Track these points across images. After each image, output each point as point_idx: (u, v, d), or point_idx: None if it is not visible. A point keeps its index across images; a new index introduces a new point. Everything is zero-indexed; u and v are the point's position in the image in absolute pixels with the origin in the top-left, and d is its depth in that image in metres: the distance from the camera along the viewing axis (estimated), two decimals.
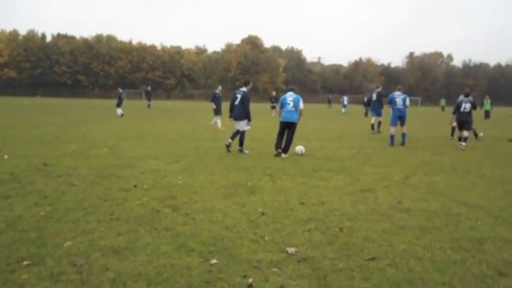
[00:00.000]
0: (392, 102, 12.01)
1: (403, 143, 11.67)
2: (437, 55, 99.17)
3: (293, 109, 9.10)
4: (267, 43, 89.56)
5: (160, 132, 13.83)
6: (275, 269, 3.10)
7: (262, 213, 4.51)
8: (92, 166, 7.09)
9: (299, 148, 9.38)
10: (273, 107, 27.68)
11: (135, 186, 5.67)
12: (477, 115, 26.41)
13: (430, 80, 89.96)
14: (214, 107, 16.36)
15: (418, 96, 73.20)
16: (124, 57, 77.61)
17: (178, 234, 3.80)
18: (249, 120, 9.51)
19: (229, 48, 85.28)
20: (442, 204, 5.15)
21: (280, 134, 9.22)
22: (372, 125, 16.18)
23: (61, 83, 73.76)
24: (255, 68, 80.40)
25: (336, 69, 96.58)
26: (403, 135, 11.79)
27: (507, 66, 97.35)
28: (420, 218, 4.50)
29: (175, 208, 4.64)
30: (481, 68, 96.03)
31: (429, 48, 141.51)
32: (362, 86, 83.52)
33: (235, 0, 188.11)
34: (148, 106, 31.86)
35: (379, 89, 17.32)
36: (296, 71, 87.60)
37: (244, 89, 9.66)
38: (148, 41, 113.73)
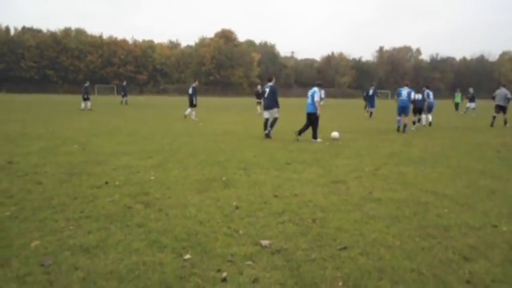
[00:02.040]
0: (399, 95, 14.10)
1: (404, 131, 13.56)
2: (406, 49, 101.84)
3: (311, 102, 10.85)
4: (241, 37, 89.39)
5: (133, 127, 13.56)
6: (249, 262, 3.11)
7: (237, 207, 4.52)
8: (60, 163, 6.87)
9: (334, 134, 11.05)
10: (259, 103, 22.15)
11: (106, 183, 5.54)
12: (448, 107, 27.42)
13: (400, 74, 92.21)
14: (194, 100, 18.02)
15: (389, 89, 75.03)
16: (94, 52, 75.45)
17: (150, 230, 3.74)
18: (278, 107, 11.35)
19: (202, 42, 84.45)
20: (411, 193, 5.31)
21: (307, 122, 10.99)
22: (370, 113, 21.80)
23: (28, 78, 70.96)
24: (229, 62, 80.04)
25: (309, 63, 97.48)
26: (405, 126, 13.65)
27: (472, 60, 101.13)
28: (390, 208, 4.63)
29: (148, 204, 4.57)
30: (448, 62, 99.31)
31: (398, 43, 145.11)
32: (334, 80, 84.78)
33: None
34: (125, 102, 30.65)
35: (374, 86, 22.79)
36: (270, 65, 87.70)
37: (271, 83, 11.46)
38: (119, 35, 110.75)
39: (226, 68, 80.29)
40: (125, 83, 32.02)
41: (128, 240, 3.50)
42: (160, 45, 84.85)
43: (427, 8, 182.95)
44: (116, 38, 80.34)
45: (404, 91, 13.89)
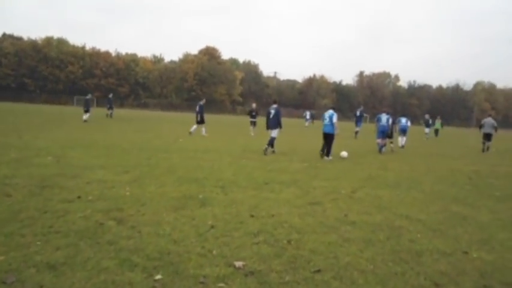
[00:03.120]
0: (379, 120, 15.43)
1: (380, 151, 15.11)
2: (385, 75, 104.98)
3: (328, 123, 11.92)
4: (225, 55, 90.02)
5: (110, 141, 13.32)
6: (221, 284, 3.06)
7: (212, 226, 4.46)
8: (32, 175, 6.66)
9: (343, 153, 12.14)
10: (253, 123, 21.41)
11: (78, 197, 5.39)
12: (428, 133, 28.15)
13: (379, 99, 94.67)
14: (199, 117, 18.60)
15: (367, 113, 76.67)
16: (76, 62, 74.33)
17: (121, 248, 3.64)
18: (281, 127, 12.70)
19: (186, 58, 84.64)
20: (385, 217, 5.38)
21: (324, 141, 12.07)
22: (356, 132, 24.01)
23: (4, 86, 69.07)
24: (212, 80, 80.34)
25: (291, 84, 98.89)
26: (382, 146, 15.28)
27: (448, 88, 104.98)
28: (365, 231, 4.67)
29: (121, 221, 4.46)
30: (425, 89, 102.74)
31: (378, 68, 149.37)
32: (315, 102, 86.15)
33: (194, 11, 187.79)
34: (110, 115, 29.85)
35: (362, 108, 26.29)
36: (253, 84, 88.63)
37: (275, 105, 12.71)
38: (103, 47, 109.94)
39: (208, 85, 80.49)
40: (110, 96, 31.57)
41: (97, 258, 3.39)
42: (144, 59, 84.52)
43: (406, 36, 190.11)
44: (98, 50, 79.65)
45: (384, 117, 15.34)
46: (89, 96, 25.45)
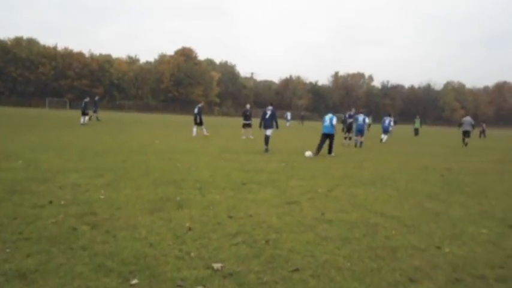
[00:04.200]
0: (356, 119, 18.09)
1: (360, 146, 17.50)
2: (359, 75, 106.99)
3: (329, 124, 13.29)
4: (201, 56, 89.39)
5: (84, 144, 12.99)
6: (200, 287, 3.03)
7: (189, 229, 4.42)
8: (1, 180, 6.40)
9: (308, 153, 12.35)
10: (248, 125, 19.75)
11: (50, 202, 5.22)
12: (408, 131, 28.80)
13: (353, 99, 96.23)
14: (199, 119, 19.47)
15: (343, 113, 77.93)
16: (47, 63, 72.09)
17: (96, 253, 3.55)
18: (277, 127, 13.90)
19: (162, 59, 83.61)
20: (361, 215, 5.47)
21: (322, 141, 13.34)
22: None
23: None
24: (188, 80, 79.68)
25: (268, 85, 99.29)
26: (361, 142, 17.74)
27: (419, 88, 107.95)
28: (341, 229, 4.73)
29: (95, 225, 4.35)
30: (398, 89, 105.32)
31: (352, 69, 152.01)
32: (292, 103, 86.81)
33: (170, 12, 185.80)
34: (97, 118, 28.85)
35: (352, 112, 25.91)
36: (230, 85, 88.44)
37: (271, 107, 13.88)
38: (76, 47, 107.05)
39: (185, 86, 79.76)
40: (97, 98, 30.46)
41: (71, 264, 3.30)
42: (119, 59, 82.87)
43: (380, 37, 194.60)
44: (71, 50, 77.52)
45: (361, 117, 17.95)
46: (87, 99, 25.20)
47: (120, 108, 73.31)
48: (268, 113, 13.72)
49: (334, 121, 13.39)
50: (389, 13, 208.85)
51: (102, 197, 5.68)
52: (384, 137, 21.69)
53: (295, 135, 25.19)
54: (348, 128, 19.12)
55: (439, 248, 4.27)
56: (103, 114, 36.76)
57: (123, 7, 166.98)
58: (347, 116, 24.47)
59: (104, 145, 12.88)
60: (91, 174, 7.46)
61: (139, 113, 63.24)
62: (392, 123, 21.77)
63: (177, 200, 5.75)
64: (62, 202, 5.25)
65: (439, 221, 5.37)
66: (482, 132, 37.90)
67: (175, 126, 28.79)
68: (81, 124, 23.52)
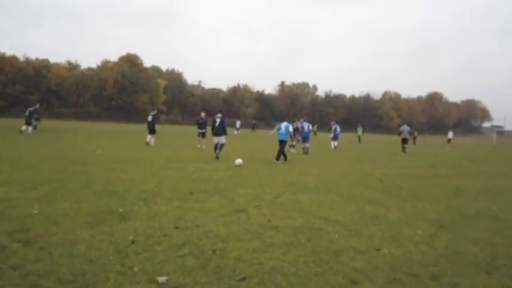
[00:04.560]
0: (302, 127, 19.25)
1: (306, 153, 18.46)
2: (304, 85, 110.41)
3: (284, 132, 14.17)
4: (147, 63, 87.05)
5: (16, 154, 12.03)
6: None
7: (133, 242, 4.25)
8: None
9: (238, 161, 11.97)
10: (202, 135, 19.33)
11: None
12: (351, 139, 30.04)
13: (298, 108, 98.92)
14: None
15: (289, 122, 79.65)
16: None
17: (28, 272, 3.30)
18: (226, 135, 14.29)
19: (105, 65, 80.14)
20: (306, 220, 5.61)
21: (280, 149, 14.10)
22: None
23: None
24: (133, 88, 77.13)
25: (216, 93, 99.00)
26: (307, 148, 18.83)
27: (360, 98, 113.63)
28: (287, 235, 4.82)
29: (28, 242, 4.03)
30: (340, 98, 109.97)
31: (298, 79, 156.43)
32: (240, 111, 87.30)
33: (115, 17, 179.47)
34: (35, 127, 25.82)
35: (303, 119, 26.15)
36: (177, 93, 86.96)
37: (220, 115, 14.36)
38: (9, 51, 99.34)
39: (130, 93, 77.06)
40: (37, 106, 27.96)
41: (0, 285, 3.03)
42: (57, 65, 78.15)
43: (323, 49, 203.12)
44: (3, 54, 71.85)
45: (306, 125, 19.30)
46: (32, 108, 24.20)
47: (59, 116, 68.90)
48: (218, 120, 14.15)
49: (290, 129, 14.40)
50: (332, 27, 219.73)
51: (35, 211, 5.29)
52: (335, 143, 23.68)
53: (244, 144, 25.32)
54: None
55: (378, 249, 4.49)
56: (41, 122, 34.33)
57: (62, 10, 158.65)
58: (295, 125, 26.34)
59: (39, 156, 12.02)
60: (23, 187, 6.92)
61: (80, 122, 60.05)
62: (338, 130, 23.79)
63: (119, 212, 5.51)
64: None
65: (378, 224, 5.66)
66: (413, 139, 40.74)
67: (119, 135, 27.68)
68: (21, 132, 22.28)
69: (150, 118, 19.51)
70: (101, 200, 6.21)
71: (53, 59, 79.63)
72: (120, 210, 5.62)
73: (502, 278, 3.84)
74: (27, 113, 23.53)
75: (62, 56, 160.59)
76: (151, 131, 19.15)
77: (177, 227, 4.90)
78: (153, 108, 21.65)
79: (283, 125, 14.49)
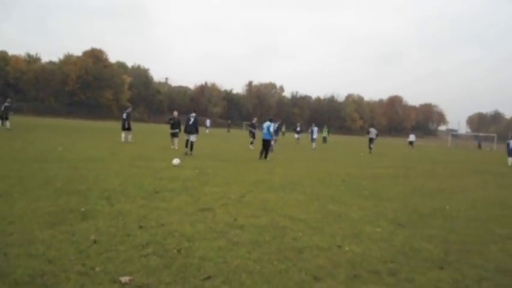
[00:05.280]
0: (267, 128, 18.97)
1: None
2: (272, 86, 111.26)
3: (267, 132, 15.09)
4: (112, 58, 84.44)
5: None
6: None
7: (95, 241, 4.15)
8: None
9: (175, 160, 11.33)
10: (175, 135, 17.89)
11: None
12: (318, 140, 30.64)
13: (265, 108, 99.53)
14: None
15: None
16: None
17: None
18: (198, 133, 15.02)
19: (68, 59, 76.93)
20: (271, 219, 5.70)
21: (263, 147, 15.10)
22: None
23: None
24: (98, 83, 74.64)
25: (182, 90, 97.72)
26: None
27: (325, 99, 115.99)
28: (252, 233, 4.88)
29: None
30: (306, 99, 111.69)
31: (265, 79, 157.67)
32: (207, 110, 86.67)
33: (78, 10, 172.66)
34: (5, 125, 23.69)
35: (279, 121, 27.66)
36: (143, 90, 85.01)
37: (194, 114, 15.16)
38: None
39: (93, 89, 74.52)
40: (8, 100, 25.43)
41: None
42: (16, 57, 74.20)
43: (290, 51, 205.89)
44: None
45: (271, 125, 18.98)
46: (7, 104, 23.53)
47: (17, 111, 65.50)
48: (192, 119, 14.90)
49: (272, 128, 15.26)
50: (301, 29, 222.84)
51: None
52: (313, 144, 26.35)
53: (212, 142, 25.19)
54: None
55: (340, 247, 4.64)
56: None
57: (24, 1, 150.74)
58: (297, 128, 29.71)
59: None
60: None
61: (39, 117, 57.38)
62: (316, 133, 27.24)
63: (81, 211, 5.36)
64: None
65: (340, 222, 5.84)
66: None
67: (83, 132, 26.74)
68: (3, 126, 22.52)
69: (124, 115, 19.24)
70: (61, 199, 6.01)
71: (11, 51, 75.66)
72: (82, 209, 5.47)
73: (454, 272, 4.08)
74: (2, 108, 23.31)
75: (22, 49, 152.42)
76: (127, 128, 19.00)
77: (141, 226, 4.83)
78: (127, 106, 22.23)
79: (265, 124, 15.32)
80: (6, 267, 3.34)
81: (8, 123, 22.82)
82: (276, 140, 24.13)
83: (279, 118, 31.13)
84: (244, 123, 69.15)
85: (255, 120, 23.86)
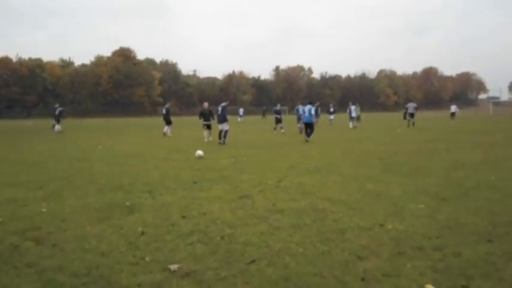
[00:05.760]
0: (297, 110, 21.25)
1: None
2: (300, 68, 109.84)
3: (308, 114, 15.96)
4: (140, 55, 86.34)
5: (18, 155, 12.11)
6: None
7: (142, 233, 4.34)
8: None
9: (199, 152, 11.21)
10: (207, 126, 16.88)
11: None
12: (341, 120, 30.25)
13: (295, 91, 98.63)
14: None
15: (287, 105, 79.65)
16: None
17: (44, 269, 3.39)
18: (227, 121, 15.14)
19: (99, 61, 79.61)
20: (310, 202, 5.70)
21: (306, 129, 16.11)
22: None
23: None
24: (129, 82, 76.80)
25: (211, 81, 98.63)
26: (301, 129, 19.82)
27: (356, 77, 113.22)
28: (292, 217, 4.91)
29: (40, 240, 4.13)
30: (336, 79, 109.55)
31: (292, 62, 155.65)
32: (237, 98, 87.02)
33: (105, 12, 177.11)
34: (53, 126, 25.81)
35: (318, 103, 26.36)
36: (172, 84, 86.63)
37: (224, 104, 15.61)
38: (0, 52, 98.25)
39: (125, 88, 76.81)
40: (57, 106, 26.80)
41: (17, 283, 3.12)
42: (51, 63, 77.52)
43: (316, 32, 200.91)
44: None
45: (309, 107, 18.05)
46: (61, 108, 26.12)
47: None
48: (220, 109, 15.26)
49: (313, 111, 15.90)
50: (326, 8, 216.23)
51: (44, 210, 5.38)
52: (351, 123, 26.43)
53: (245, 131, 25.35)
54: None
55: (382, 225, 4.59)
56: (39, 122, 34.35)
57: (51, 8, 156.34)
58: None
59: (42, 155, 12.10)
60: (29, 186, 7.01)
61: (78, 119, 59.89)
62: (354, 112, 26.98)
63: (126, 205, 5.60)
64: (0, 219, 4.90)
65: (380, 201, 5.75)
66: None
67: (119, 130, 27.69)
68: (56, 131, 24.35)
69: (164, 111, 20.77)
70: (107, 195, 6.30)
71: (46, 58, 79.07)
72: (127, 203, 5.71)
73: (503, 244, 3.93)
74: (57, 112, 25.23)
75: (55, 55, 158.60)
76: (168, 122, 20.43)
77: (184, 216, 4.99)
78: (166, 102, 23.69)
79: (306, 108, 16.06)
80: (64, 261, 3.57)
81: (59, 126, 24.76)
82: (317, 122, 24.15)
83: (317, 100, 30.52)
84: (269, 108, 68.25)
85: (278, 106, 24.30)
